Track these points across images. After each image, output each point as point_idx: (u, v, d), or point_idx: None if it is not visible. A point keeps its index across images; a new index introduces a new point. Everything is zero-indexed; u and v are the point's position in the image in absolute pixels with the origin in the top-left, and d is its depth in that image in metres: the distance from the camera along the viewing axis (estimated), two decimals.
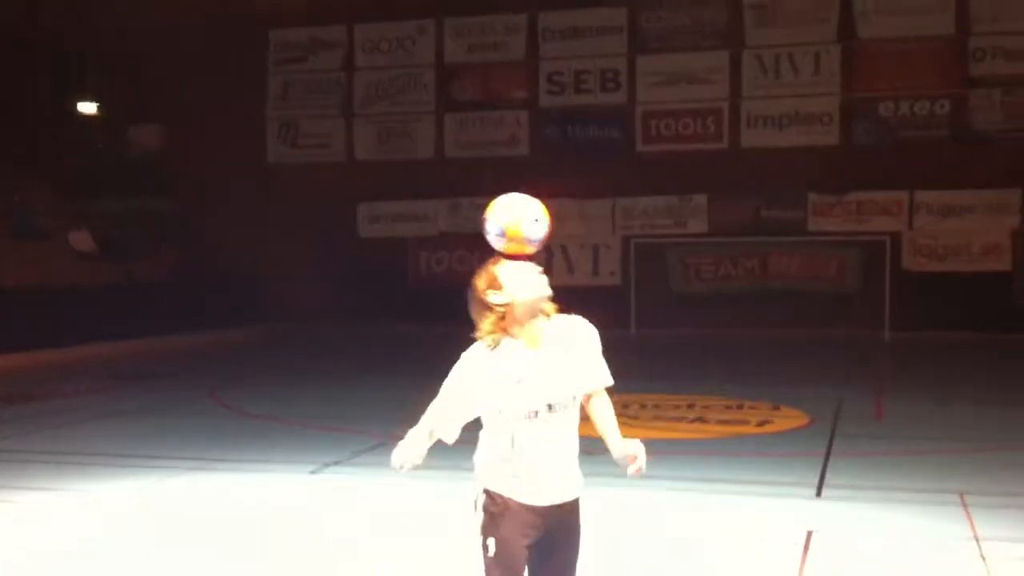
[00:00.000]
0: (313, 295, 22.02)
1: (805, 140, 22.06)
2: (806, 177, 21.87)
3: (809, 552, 6.35)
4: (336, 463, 8.99)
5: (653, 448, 9.59)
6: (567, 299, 3.85)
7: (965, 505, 7.38)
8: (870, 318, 20.88)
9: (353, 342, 20.49)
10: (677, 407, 12.24)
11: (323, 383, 14.60)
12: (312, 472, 8.64)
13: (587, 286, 21.66)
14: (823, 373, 15.85)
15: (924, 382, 14.89)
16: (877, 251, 21.42)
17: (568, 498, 3.76)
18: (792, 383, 14.64)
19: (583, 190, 22.20)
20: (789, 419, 11.44)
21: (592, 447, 4.10)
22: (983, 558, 6.18)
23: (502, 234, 3.69)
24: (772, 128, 22.31)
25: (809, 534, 6.69)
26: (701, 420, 11.39)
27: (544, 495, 3.70)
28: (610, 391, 3.89)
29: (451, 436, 3.84)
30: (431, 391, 3.90)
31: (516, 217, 3.68)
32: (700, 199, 22.67)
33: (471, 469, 3.85)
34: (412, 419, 3.92)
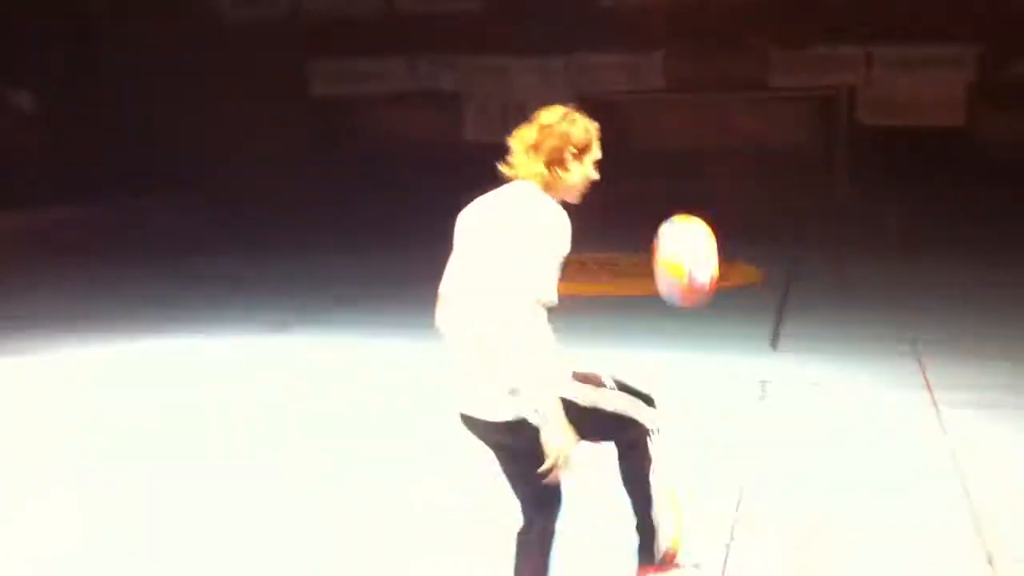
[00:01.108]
0: (262, 160, 21.59)
1: None
2: (766, 32, 21.55)
3: (765, 401, 6.42)
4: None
5: (609, 304, 9.57)
6: None
7: (918, 354, 7.48)
8: (826, 174, 20.89)
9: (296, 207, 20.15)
10: (635, 264, 12.25)
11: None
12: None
13: None
14: (779, 228, 15.89)
15: (879, 237, 14.98)
16: (833, 106, 21.30)
17: None
18: (749, 239, 14.65)
19: (536, 47, 21.74)
20: (744, 274, 11.47)
21: None
22: (935, 404, 6.27)
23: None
24: None
25: (763, 384, 6.76)
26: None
27: None
28: None
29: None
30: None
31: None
32: (657, 55, 22.30)
33: None
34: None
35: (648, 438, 3.37)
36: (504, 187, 3.24)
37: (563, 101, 3.44)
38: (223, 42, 22.33)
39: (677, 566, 3.50)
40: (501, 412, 3.10)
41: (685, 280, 3.30)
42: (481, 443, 3.26)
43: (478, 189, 3.34)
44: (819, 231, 15.71)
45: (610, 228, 15.15)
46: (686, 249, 3.40)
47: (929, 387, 6.61)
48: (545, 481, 3.06)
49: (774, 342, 8.09)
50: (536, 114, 3.28)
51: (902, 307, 9.37)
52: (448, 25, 21.39)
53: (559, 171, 3.21)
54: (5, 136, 19.51)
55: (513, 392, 3.04)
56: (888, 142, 21.04)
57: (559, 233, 3.09)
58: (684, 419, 6.09)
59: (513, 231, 3.08)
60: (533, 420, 3.05)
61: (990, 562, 4.14)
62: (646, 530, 3.49)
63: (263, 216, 16.59)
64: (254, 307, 9.72)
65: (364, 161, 21.76)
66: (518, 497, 3.30)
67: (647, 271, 3.57)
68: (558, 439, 3.01)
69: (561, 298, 3.08)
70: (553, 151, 3.19)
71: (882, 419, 6.08)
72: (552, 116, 3.25)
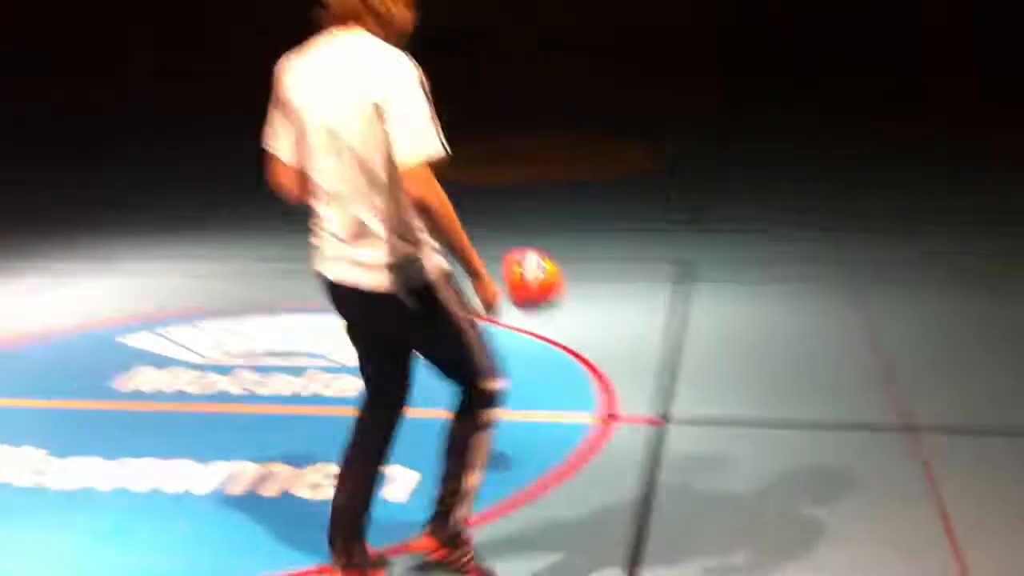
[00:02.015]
0: None
1: None
2: None
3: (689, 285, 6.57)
4: None
5: (519, 190, 9.50)
6: None
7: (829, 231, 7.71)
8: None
9: None
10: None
11: None
12: None
13: None
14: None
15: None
16: None
17: None
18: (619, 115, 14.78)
19: None
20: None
21: None
22: (852, 280, 6.50)
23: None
24: None
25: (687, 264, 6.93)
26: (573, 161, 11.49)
27: None
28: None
29: None
30: None
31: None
32: None
33: None
34: None
35: (485, 398, 3.15)
36: (336, 41, 2.92)
37: None
38: None
39: (466, 546, 3.28)
40: (390, 285, 2.92)
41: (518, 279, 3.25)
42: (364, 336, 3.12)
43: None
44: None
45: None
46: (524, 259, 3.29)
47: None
48: (467, 332, 3.04)
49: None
50: None
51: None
52: None
53: (392, 15, 2.94)
54: None
55: (400, 266, 2.91)
56: None
57: (420, 73, 2.84)
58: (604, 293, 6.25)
59: (381, 86, 2.80)
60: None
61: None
62: (447, 498, 3.21)
63: None
64: None
65: None
66: (447, 372, 3.14)
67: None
68: (489, 284, 2.96)
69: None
70: None
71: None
72: None
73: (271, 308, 6.23)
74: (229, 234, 8.42)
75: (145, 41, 21.58)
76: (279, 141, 3.06)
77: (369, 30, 2.90)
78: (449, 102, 3.16)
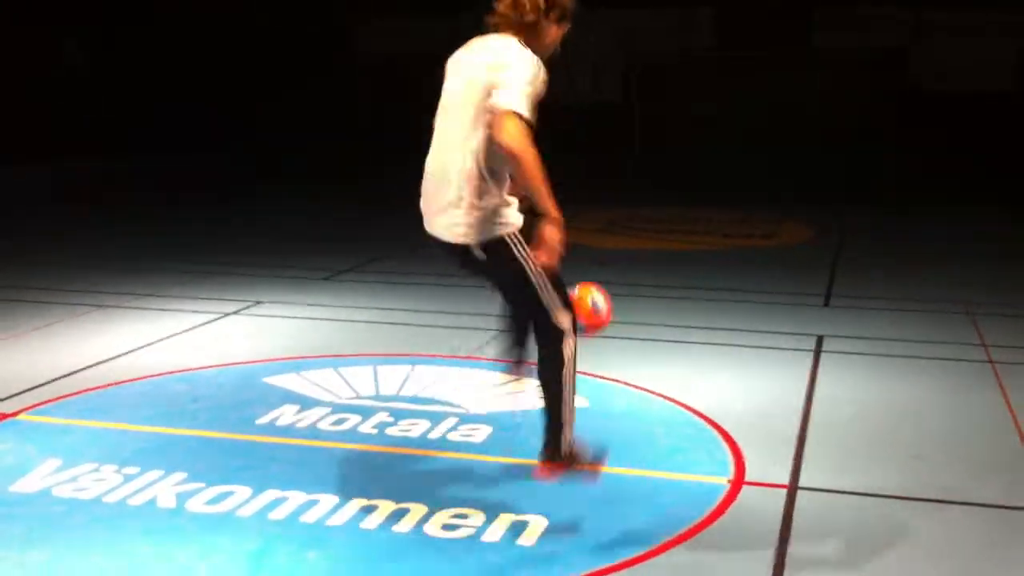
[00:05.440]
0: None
1: None
2: None
3: (820, 356, 6.49)
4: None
5: (662, 257, 9.67)
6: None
7: (973, 315, 7.52)
8: (874, 136, 20.80)
9: None
10: (686, 221, 12.32)
11: None
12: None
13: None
14: (829, 189, 15.90)
15: (929, 198, 14.92)
16: (885, 66, 21.11)
17: None
18: (798, 198, 14.70)
19: None
20: (794, 233, 11.52)
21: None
22: (992, 362, 6.34)
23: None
24: None
25: (820, 339, 6.84)
26: (708, 233, 11.48)
27: None
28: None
29: None
30: None
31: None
32: (706, 11, 22.15)
33: None
34: None
35: (563, 339, 3.76)
36: (487, 37, 3.76)
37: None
38: None
39: (579, 465, 3.97)
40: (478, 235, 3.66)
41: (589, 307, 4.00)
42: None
43: None
44: (868, 190, 15.66)
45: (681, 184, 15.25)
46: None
47: (985, 346, 6.67)
48: (541, 273, 3.66)
49: (827, 299, 8.15)
50: None
51: (951, 271, 9.40)
52: None
53: (537, 29, 3.73)
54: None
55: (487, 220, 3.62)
56: (939, 104, 20.80)
57: (540, 71, 3.60)
58: (747, 366, 6.23)
59: (501, 62, 3.57)
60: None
61: None
62: (553, 427, 3.87)
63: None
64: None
65: None
66: (526, 307, 3.81)
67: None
68: (559, 227, 3.57)
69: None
70: (533, 9, 3.70)
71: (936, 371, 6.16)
72: None
73: (410, 357, 6.38)
74: (369, 285, 8.66)
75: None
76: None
77: (519, 39, 3.69)
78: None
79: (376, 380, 5.94)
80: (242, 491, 4.31)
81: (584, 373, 5.60)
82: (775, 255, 10.19)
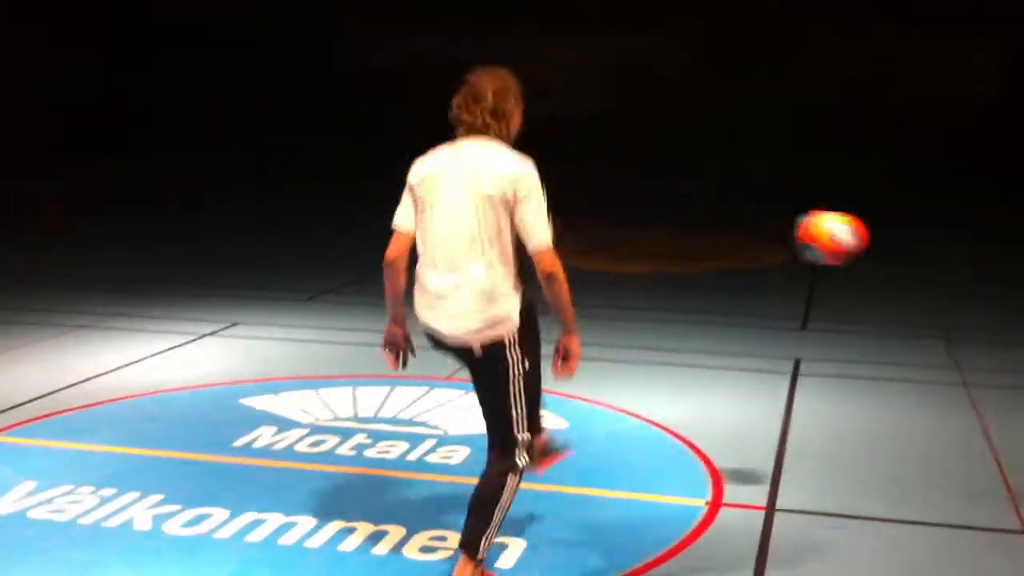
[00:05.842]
0: None
1: None
2: None
3: (798, 379, 6.53)
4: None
5: (644, 281, 9.65)
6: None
7: (948, 340, 7.58)
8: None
9: None
10: (668, 243, 12.37)
11: None
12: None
13: None
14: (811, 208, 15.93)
15: (913, 220, 15.02)
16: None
17: None
18: (781, 222, 14.72)
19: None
20: (775, 255, 11.57)
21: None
22: (964, 384, 6.39)
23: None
24: None
25: (797, 362, 6.88)
26: (689, 256, 11.51)
27: None
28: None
29: None
30: None
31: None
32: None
33: None
34: None
35: (515, 452, 3.55)
36: (473, 146, 3.56)
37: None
38: None
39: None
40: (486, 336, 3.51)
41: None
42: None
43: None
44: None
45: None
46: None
47: (959, 367, 6.72)
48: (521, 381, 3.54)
49: (804, 323, 8.20)
50: (479, 77, 3.60)
51: (931, 297, 9.46)
52: None
53: (511, 124, 3.62)
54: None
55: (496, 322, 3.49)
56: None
57: (536, 172, 3.52)
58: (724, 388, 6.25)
59: (517, 184, 3.46)
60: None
61: None
62: (479, 538, 3.51)
63: None
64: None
65: None
66: (498, 422, 3.57)
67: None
68: (577, 342, 3.59)
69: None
70: (508, 109, 3.59)
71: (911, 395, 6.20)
72: (501, 79, 3.61)
73: (389, 379, 6.37)
74: (351, 308, 8.64)
75: None
76: (406, 219, 3.64)
77: (492, 139, 3.56)
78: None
79: (355, 402, 5.94)
80: (219, 513, 4.29)
81: (563, 395, 5.62)
82: (755, 278, 10.23)
